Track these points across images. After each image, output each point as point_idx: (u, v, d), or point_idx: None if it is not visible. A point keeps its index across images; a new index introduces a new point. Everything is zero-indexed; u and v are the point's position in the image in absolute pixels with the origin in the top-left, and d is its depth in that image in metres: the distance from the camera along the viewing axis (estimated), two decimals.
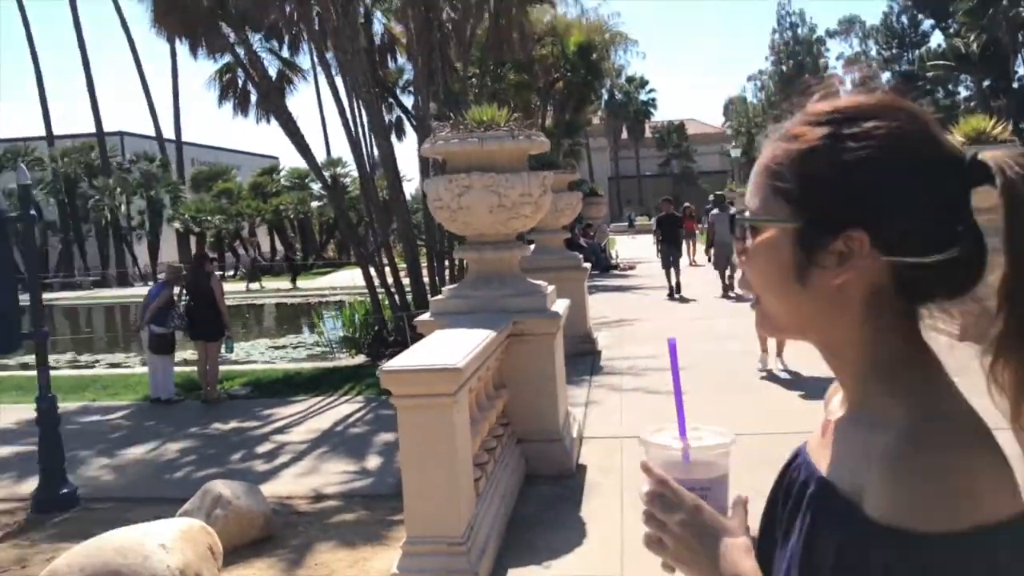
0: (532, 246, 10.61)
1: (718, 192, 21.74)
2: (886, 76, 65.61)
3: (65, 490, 6.00)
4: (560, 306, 6.21)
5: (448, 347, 4.45)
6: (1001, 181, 0.85)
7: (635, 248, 32.83)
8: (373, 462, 7.06)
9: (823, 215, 0.89)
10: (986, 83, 54.89)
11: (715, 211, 16.70)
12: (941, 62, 53.17)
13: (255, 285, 28.91)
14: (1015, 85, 54.31)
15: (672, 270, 16.55)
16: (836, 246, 0.88)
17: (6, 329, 5.93)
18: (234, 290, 23.55)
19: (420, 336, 5.44)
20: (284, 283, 29.73)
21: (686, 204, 24.35)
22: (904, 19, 64.07)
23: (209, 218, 35.95)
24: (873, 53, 66.85)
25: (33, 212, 6.32)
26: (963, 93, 58.48)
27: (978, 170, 0.87)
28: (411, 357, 4.26)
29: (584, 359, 9.87)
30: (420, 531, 4.00)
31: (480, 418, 4.86)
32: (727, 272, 15.63)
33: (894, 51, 64.52)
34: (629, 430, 6.75)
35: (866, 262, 0.88)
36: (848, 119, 0.89)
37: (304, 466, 7.06)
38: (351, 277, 24.87)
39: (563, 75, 23.57)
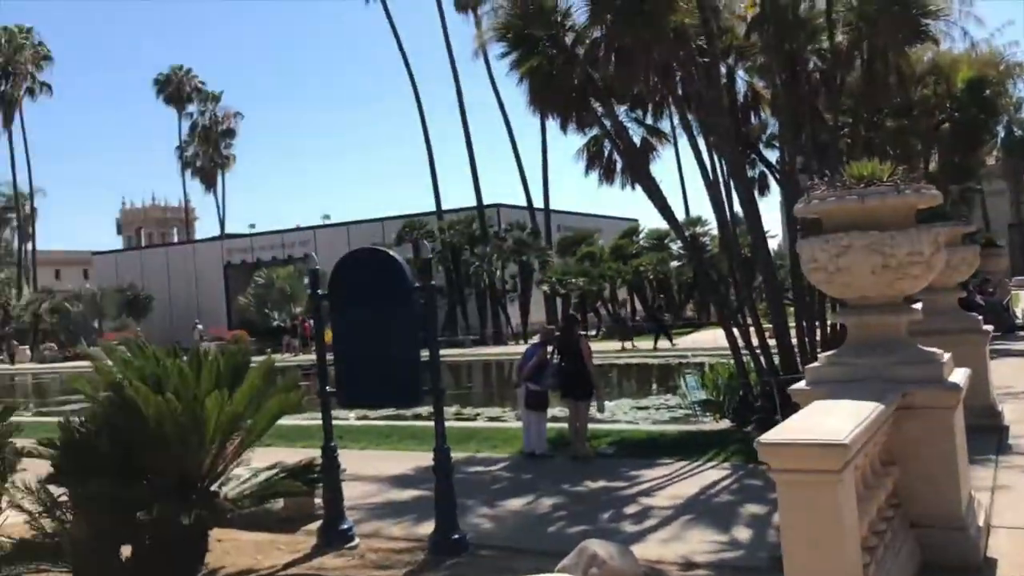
0: (918, 305, 9.64)
1: None
2: None
3: (457, 536, 6.54)
4: (959, 376, 5.52)
5: (831, 420, 4.14)
6: None
7: None
8: (743, 533, 6.79)
9: None
10: None
11: None
12: None
13: (628, 344, 29.68)
14: None
15: None
16: None
17: (413, 385, 6.70)
18: (601, 349, 24.57)
19: (790, 402, 5.15)
20: (649, 343, 30.22)
21: None
22: None
23: (573, 280, 37.90)
24: None
25: (434, 283, 7.12)
26: None
27: None
28: (790, 429, 4.04)
29: (987, 435, 8.66)
30: None
31: (867, 497, 4.44)
32: None
33: None
34: None
35: None
36: None
37: (671, 531, 7.00)
38: (712, 337, 24.59)
39: (949, 115, 21.40)
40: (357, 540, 6.90)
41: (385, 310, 6.70)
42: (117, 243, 75.50)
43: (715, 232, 38.00)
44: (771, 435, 3.91)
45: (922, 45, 16.14)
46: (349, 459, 8.03)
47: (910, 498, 5.22)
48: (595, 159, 18.27)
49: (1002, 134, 46.96)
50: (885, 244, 5.27)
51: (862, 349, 5.57)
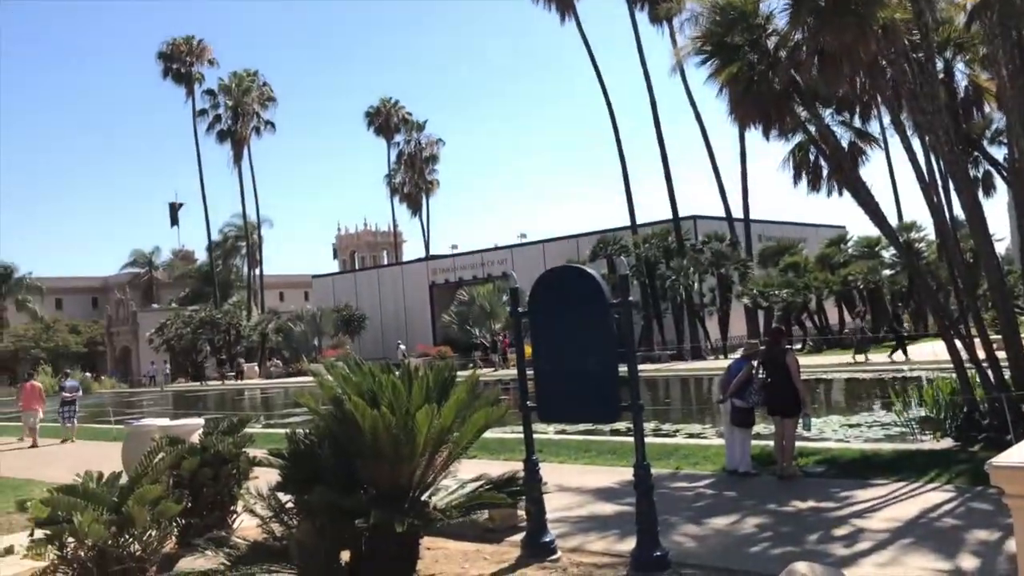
0: None
1: None
2: None
3: (658, 553, 6.50)
4: None
5: None
6: None
7: None
8: (968, 562, 6.29)
9: None
10: None
11: None
12: None
13: (861, 357, 28.22)
14: None
15: None
16: None
17: (611, 400, 6.75)
18: (811, 364, 23.47)
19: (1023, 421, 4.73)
20: (879, 356, 28.50)
21: None
22: None
23: (776, 292, 36.46)
24: None
25: (632, 299, 7.15)
26: None
27: None
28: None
29: None
30: None
31: None
32: None
33: None
34: None
35: None
36: None
37: (887, 555, 6.60)
38: (932, 350, 22.81)
39: None
40: (559, 553, 7.02)
41: (583, 326, 6.82)
42: (333, 266, 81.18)
43: (931, 237, 35.41)
44: (1004, 457, 3.61)
45: None
46: (549, 472, 8.23)
47: None
48: (801, 166, 17.59)
49: None
50: None
51: None
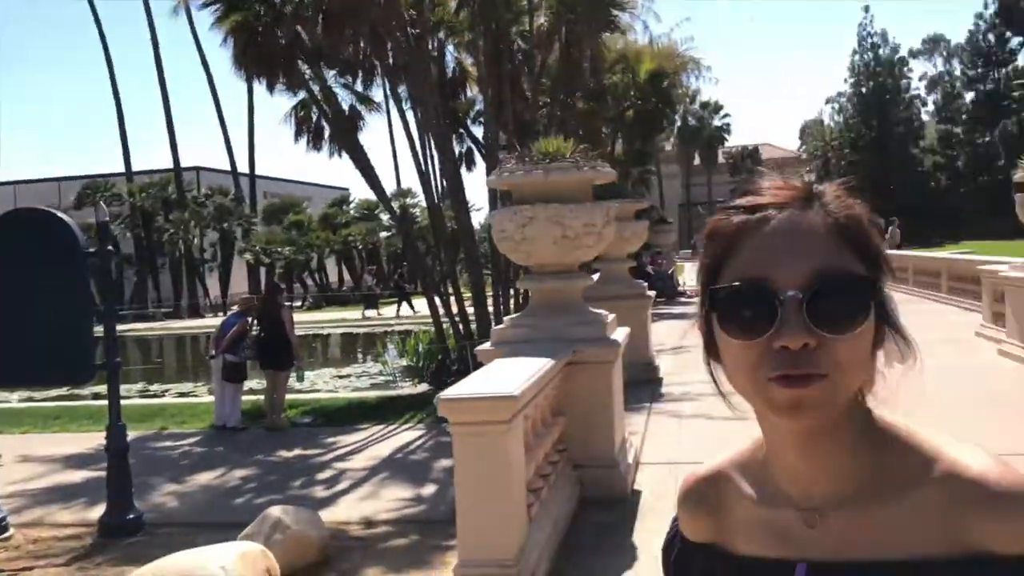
0: (597, 275, 10.55)
1: None
2: (970, 96, 63.70)
3: (131, 515, 6.12)
4: (620, 334, 6.13)
5: (505, 375, 4.42)
6: None
7: None
8: (429, 489, 7.05)
9: (882, 280, 0.88)
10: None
11: None
12: None
13: (372, 312, 29.36)
14: None
15: None
16: (890, 319, 0.89)
17: (82, 360, 6.10)
18: (318, 319, 24.15)
19: (482, 365, 5.43)
20: (374, 311, 30.19)
21: None
22: (991, 37, 62.16)
23: (279, 249, 36.77)
24: (957, 72, 65.01)
25: (110, 248, 6.52)
26: None
27: None
28: (468, 385, 4.25)
29: (646, 386, 9.74)
30: (472, 555, 3.99)
31: (535, 444, 4.81)
32: None
33: (979, 70, 62.60)
34: (686, 456, 6.64)
35: None
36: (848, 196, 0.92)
37: (362, 492, 7.09)
38: (419, 307, 25.11)
39: (634, 103, 23.50)
40: (11, 531, 6.20)
41: (48, 278, 5.99)
42: None
43: (424, 204, 38.77)
44: (450, 391, 4.09)
45: (612, 35, 17.50)
46: (7, 445, 7.24)
47: (574, 442, 5.74)
48: (303, 124, 17.81)
49: (678, 123, 52.62)
50: (565, 216, 5.70)
51: (541, 312, 5.99)
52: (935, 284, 17.79)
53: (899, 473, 0.88)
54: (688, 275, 30.44)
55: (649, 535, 5.05)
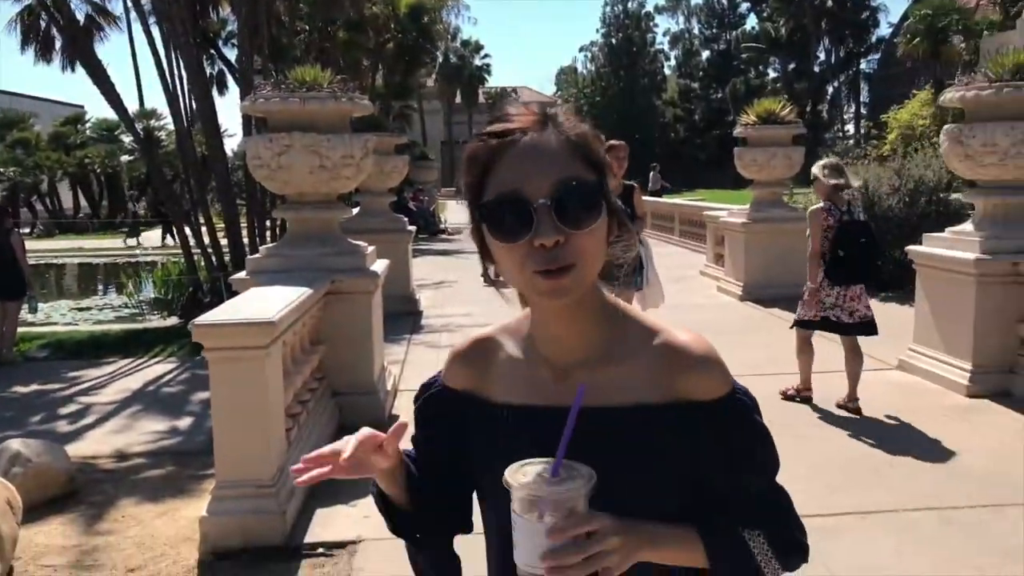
0: (357, 208, 10.67)
1: None
2: (706, 54, 69.09)
3: None
4: (379, 266, 6.37)
5: (262, 302, 4.53)
6: None
7: (464, 213, 33.14)
8: (185, 421, 6.98)
9: (606, 181, 1.15)
10: (791, 66, 59.13)
11: None
12: (754, 44, 56.87)
13: (133, 241, 26.87)
14: (816, 68, 58.94)
15: None
16: (616, 213, 1.16)
17: None
18: (43, 248, 21.91)
19: (236, 295, 5.45)
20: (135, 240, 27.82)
21: None
22: (724, 1, 67.63)
23: (2, 169, 33.00)
24: (696, 31, 70.18)
25: None
26: (771, 75, 62.63)
27: None
28: (224, 312, 4.32)
29: (406, 319, 10.10)
30: (230, 476, 4.11)
31: (294, 371, 4.98)
32: None
33: (714, 30, 68.10)
34: None
35: None
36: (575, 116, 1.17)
37: (112, 426, 6.88)
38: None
39: (394, 36, 23.34)
40: None
41: None
42: None
43: (172, 127, 36.08)
44: (205, 317, 4.15)
45: None
46: None
47: (333, 371, 5.96)
48: (31, 32, 16.07)
49: (440, 60, 52.73)
50: (322, 146, 5.79)
51: (298, 242, 6.08)
52: (670, 228, 19.69)
53: (629, 341, 1.18)
54: (450, 212, 31.08)
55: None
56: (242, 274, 5.95)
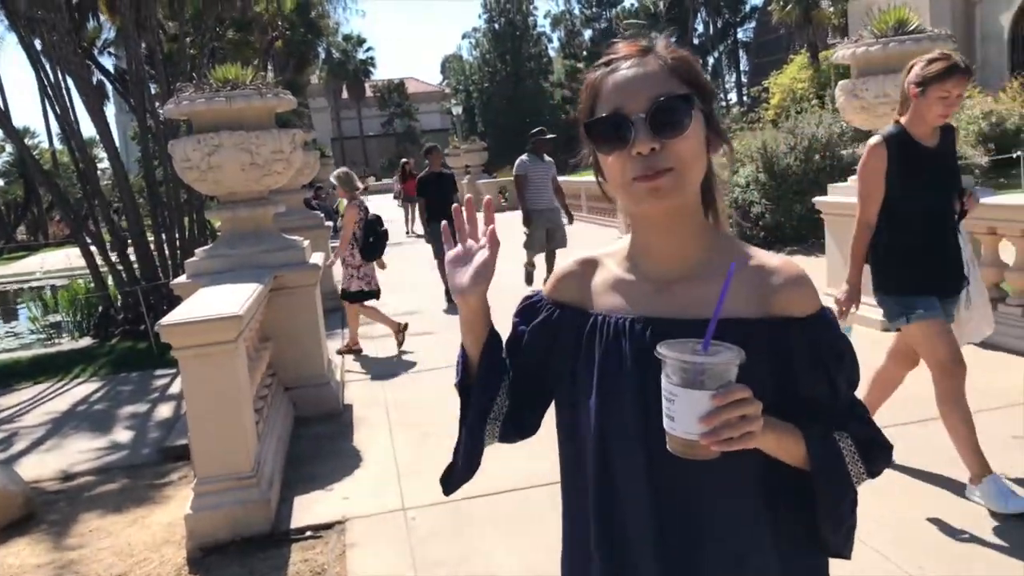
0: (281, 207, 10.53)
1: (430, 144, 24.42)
2: (588, 33, 70.17)
3: None
4: (317, 258, 6.42)
5: (221, 299, 4.55)
6: None
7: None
8: (125, 436, 6.85)
9: (709, 101, 1.31)
10: (672, 38, 60.71)
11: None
12: (634, 20, 58.13)
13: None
14: (695, 41, 60.75)
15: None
16: (714, 127, 1.31)
17: None
18: None
19: (153, 307, 5.41)
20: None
21: (404, 160, 22.76)
22: None
23: None
24: (576, 12, 71.22)
25: None
26: None
27: None
28: (186, 311, 4.33)
29: (334, 314, 10.11)
30: (211, 472, 4.15)
31: (252, 368, 5.00)
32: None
33: (594, 9, 69.26)
34: (386, 371, 7.22)
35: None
36: (676, 45, 1.33)
37: (48, 448, 6.69)
38: (65, 257, 22.69)
39: (282, 33, 22.94)
40: None
41: None
42: None
43: (45, 145, 34.72)
44: (169, 318, 4.15)
45: None
46: None
47: (284, 366, 6.00)
48: None
49: (323, 56, 51.96)
50: (252, 143, 5.80)
51: (235, 240, 6.07)
52: (577, 205, 20.22)
53: (726, 260, 1.26)
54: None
55: (366, 439, 5.53)
56: (183, 278, 5.91)
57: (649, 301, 1.32)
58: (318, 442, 5.58)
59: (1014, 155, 17.75)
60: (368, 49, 67.11)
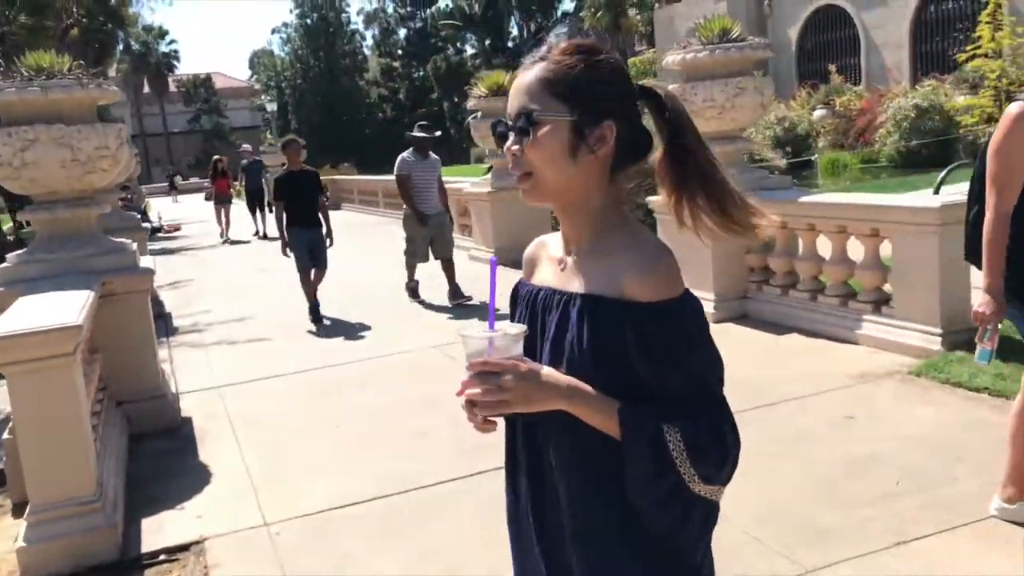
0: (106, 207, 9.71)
1: (245, 145, 24.18)
2: (403, 32, 69.76)
3: None
4: (147, 262, 5.99)
5: (49, 309, 4.14)
6: (663, 94, 1.40)
7: (179, 210, 31.38)
8: None
9: (590, 111, 1.35)
10: (487, 41, 61.53)
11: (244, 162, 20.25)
12: (450, 21, 58.45)
13: None
14: (510, 44, 61.92)
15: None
16: (598, 133, 1.37)
17: None
18: None
19: None
20: None
21: (216, 157, 21.15)
22: None
23: None
24: (391, 10, 70.57)
25: None
26: (470, 51, 64.80)
27: (645, 91, 1.43)
28: (10, 323, 3.90)
29: (157, 321, 9.45)
30: (47, 498, 3.76)
31: (86, 382, 4.60)
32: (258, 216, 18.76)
33: (409, 8, 68.86)
34: (221, 380, 6.86)
35: (610, 144, 1.36)
36: (591, 52, 1.38)
37: None
38: None
39: (78, 20, 21.17)
40: None
41: None
42: None
43: None
44: None
45: None
46: None
47: (116, 378, 5.55)
48: None
49: (121, 47, 48.59)
50: (73, 138, 5.31)
51: (54, 243, 5.54)
52: (375, 202, 20.71)
53: (609, 243, 1.40)
54: (163, 210, 28.95)
55: (213, 453, 5.21)
56: None
57: (557, 276, 1.49)
58: (159, 459, 5.20)
59: (812, 158, 19.43)
60: (172, 42, 63.68)
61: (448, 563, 3.59)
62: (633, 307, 1.32)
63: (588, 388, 1.34)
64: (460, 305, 8.83)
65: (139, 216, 11.45)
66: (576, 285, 1.42)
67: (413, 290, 9.42)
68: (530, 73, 1.39)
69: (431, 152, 9.28)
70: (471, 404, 1.34)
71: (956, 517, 3.51)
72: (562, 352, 1.39)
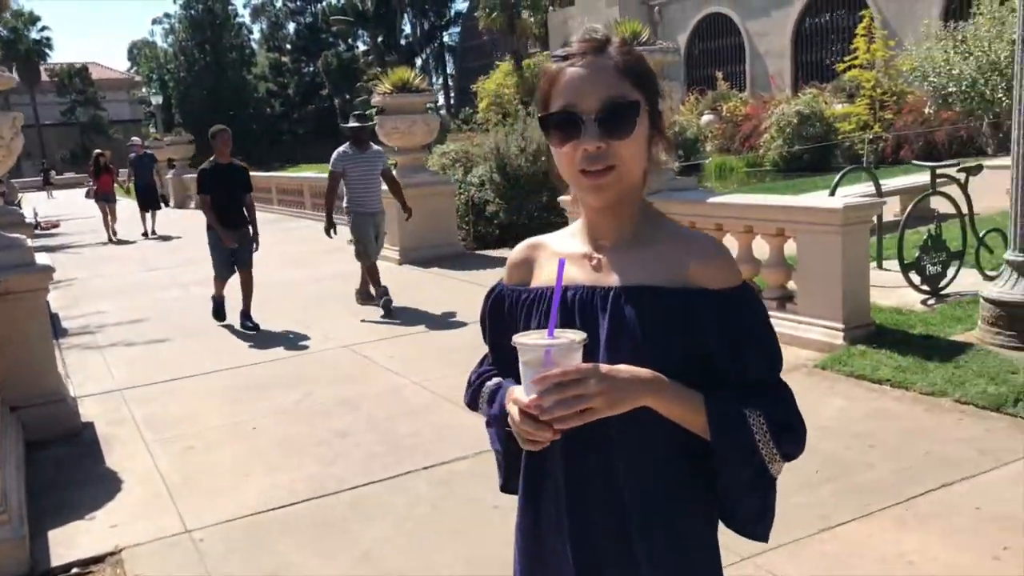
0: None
1: (135, 138, 23.45)
2: (292, 27, 68.11)
3: None
4: (45, 259, 5.65)
5: None
6: None
7: (55, 206, 29.75)
8: None
9: (655, 101, 1.36)
10: (380, 39, 60.87)
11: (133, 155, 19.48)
12: (342, 17, 57.42)
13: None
14: (403, 42, 61.47)
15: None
16: (662, 123, 1.38)
17: None
18: None
19: None
20: None
21: (97, 151, 19.63)
22: None
23: None
24: (279, 4, 68.76)
25: None
26: (362, 47, 63.90)
27: None
28: None
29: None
30: None
31: None
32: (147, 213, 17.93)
33: (299, 3, 67.31)
34: (124, 382, 6.56)
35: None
36: (630, 44, 1.39)
37: None
38: None
39: None
40: None
41: None
42: None
43: None
44: None
45: None
46: None
47: (11, 383, 5.20)
48: None
49: None
50: None
51: None
52: (299, 202, 19.29)
53: (653, 234, 1.39)
54: (39, 205, 27.33)
55: (121, 459, 4.95)
56: None
57: (588, 273, 1.40)
58: (62, 467, 4.91)
59: (701, 161, 20.08)
60: (43, 29, 60.24)
61: (386, 567, 3.53)
62: (707, 295, 1.32)
63: (668, 379, 1.29)
64: (381, 305, 8.26)
65: (19, 211, 10.74)
66: (621, 279, 1.36)
67: (387, 303, 8.22)
68: (598, 64, 1.32)
69: (372, 144, 8.50)
70: (533, 419, 1.23)
71: (875, 501, 3.70)
72: (622, 348, 1.31)
